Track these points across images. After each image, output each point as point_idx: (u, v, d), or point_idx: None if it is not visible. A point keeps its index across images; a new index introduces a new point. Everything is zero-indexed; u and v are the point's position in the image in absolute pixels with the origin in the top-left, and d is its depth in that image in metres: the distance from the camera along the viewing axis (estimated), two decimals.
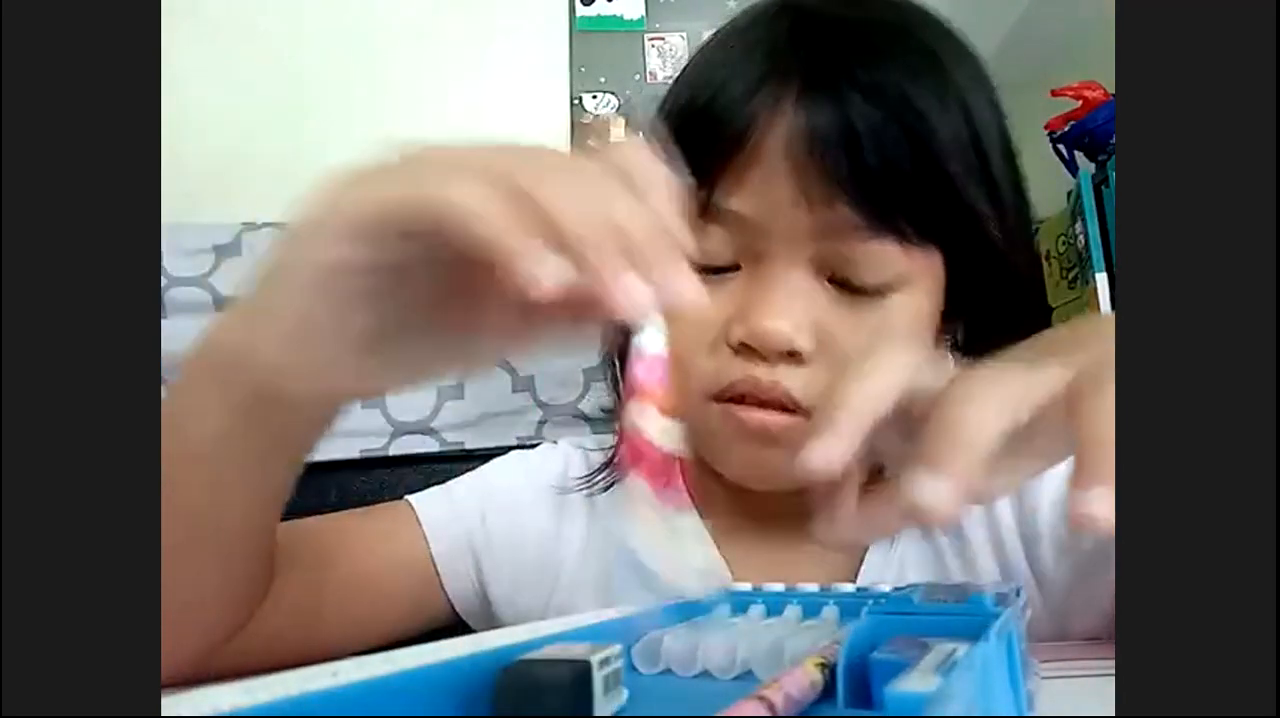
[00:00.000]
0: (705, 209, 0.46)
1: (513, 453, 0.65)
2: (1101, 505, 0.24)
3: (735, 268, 0.47)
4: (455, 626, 0.58)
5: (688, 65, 0.54)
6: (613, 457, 0.60)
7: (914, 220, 0.45)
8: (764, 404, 0.46)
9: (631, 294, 0.27)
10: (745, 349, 0.46)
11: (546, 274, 0.26)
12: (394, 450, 0.77)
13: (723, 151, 0.46)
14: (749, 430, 0.46)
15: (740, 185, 0.46)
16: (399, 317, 0.32)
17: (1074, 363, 0.29)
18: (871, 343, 0.46)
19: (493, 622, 0.58)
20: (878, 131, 0.44)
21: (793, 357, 0.45)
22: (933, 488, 0.26)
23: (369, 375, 0.34)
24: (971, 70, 0.49)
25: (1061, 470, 0.52)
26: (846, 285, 0.46)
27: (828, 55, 0.46)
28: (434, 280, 0.31)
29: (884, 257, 0.46)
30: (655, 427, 0.31)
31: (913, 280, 0.47)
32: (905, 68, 0.46)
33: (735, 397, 0.46)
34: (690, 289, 0.28)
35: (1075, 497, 0.24)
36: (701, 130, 0.47)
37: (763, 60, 0.47)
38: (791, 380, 0.46)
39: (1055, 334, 0.38)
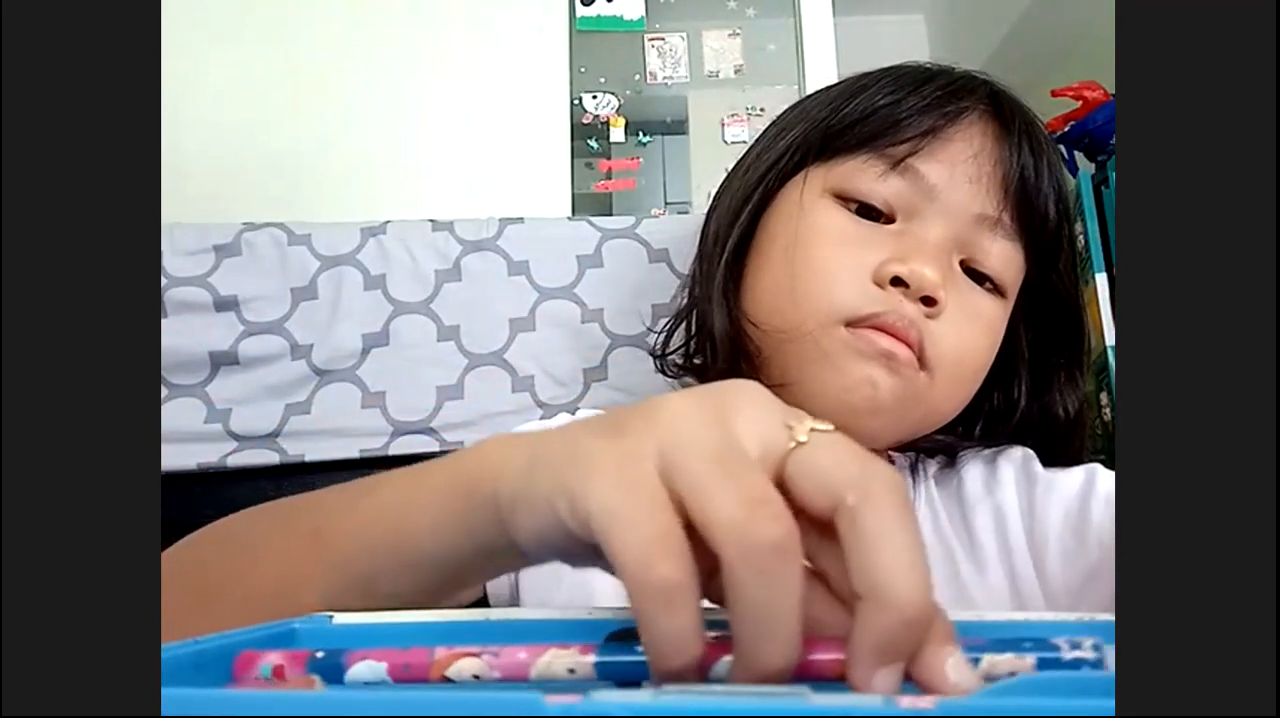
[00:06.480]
0: (897, 164, 0.53)
1: (532, 423, 0.65)
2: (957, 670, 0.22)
3: (891, 220, 0.54)
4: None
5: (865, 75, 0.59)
6: None
7: (1037, 241, 0.55)
8: (897, 338, 0.51)
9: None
10: (896, 285, 0.51)
11: None
12: (394, 450, 0.77)
13: (933, 122, 0.53)
14: (878, 350, 0.50)
15: (934, 154, 0.53)
16: None
17: None
18: (963, 332, 0.53)
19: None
20: (1038, 169, 0.54)
21: (930, 306, 0.51)
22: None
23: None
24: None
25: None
26: (969, 268, 0.54)
27: (1002, 93, 0.57)
28: None
29: (1006, 256, 0.54)
30: None
31: (1007, 293, 0.56)
32: (1050, 145, 0.57)
33: (874, 325, 0.50)
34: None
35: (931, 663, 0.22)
36: (920, 95, 0.54)
37: (949, 79, 0.56)
38: (923, 327, 0.51)
39: None
